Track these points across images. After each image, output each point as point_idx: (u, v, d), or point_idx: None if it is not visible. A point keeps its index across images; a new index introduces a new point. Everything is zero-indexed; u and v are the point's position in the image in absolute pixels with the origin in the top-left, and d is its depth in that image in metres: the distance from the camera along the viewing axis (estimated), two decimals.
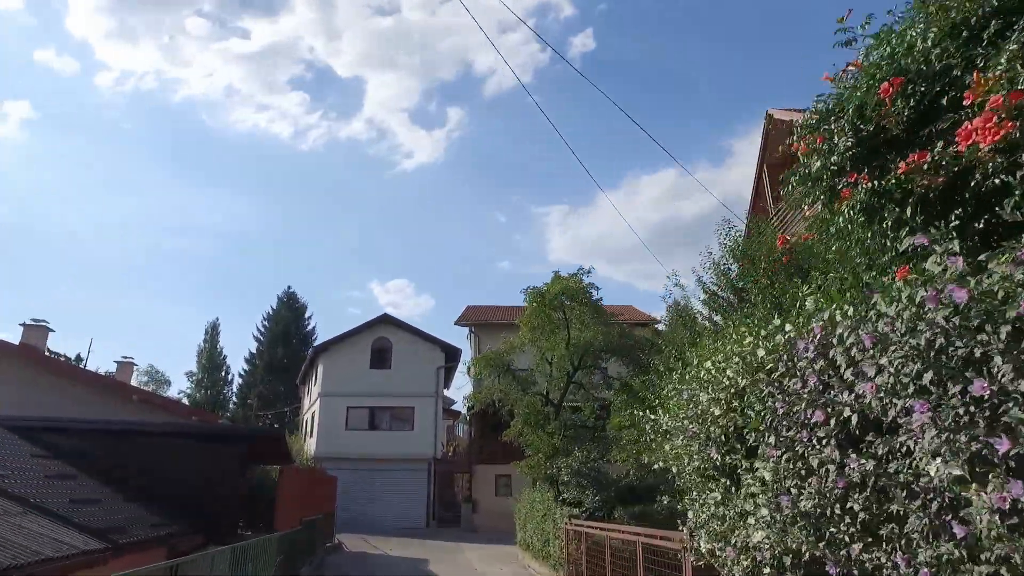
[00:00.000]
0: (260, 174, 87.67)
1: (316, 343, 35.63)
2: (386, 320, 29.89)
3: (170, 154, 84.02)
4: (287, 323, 49.94)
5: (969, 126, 3.03)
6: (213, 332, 53.40)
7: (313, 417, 29.34)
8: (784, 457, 3.66)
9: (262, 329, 50.66)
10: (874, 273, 3.87)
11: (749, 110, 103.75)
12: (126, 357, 25.62)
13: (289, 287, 53.52)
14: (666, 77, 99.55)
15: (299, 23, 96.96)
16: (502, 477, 27.95)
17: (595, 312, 16.95)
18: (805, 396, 3.46)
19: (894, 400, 2.79)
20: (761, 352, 4.20)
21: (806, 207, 5.34)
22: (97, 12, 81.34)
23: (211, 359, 52.08)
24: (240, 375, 50.59)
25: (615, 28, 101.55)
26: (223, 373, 52.46)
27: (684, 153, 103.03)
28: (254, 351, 49.78)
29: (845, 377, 3.17)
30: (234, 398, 50.16)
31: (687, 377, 5.64)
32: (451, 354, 29.57)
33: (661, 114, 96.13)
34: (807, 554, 3.53)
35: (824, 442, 3.31)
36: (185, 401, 50.94)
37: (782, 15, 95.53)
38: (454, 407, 34.74)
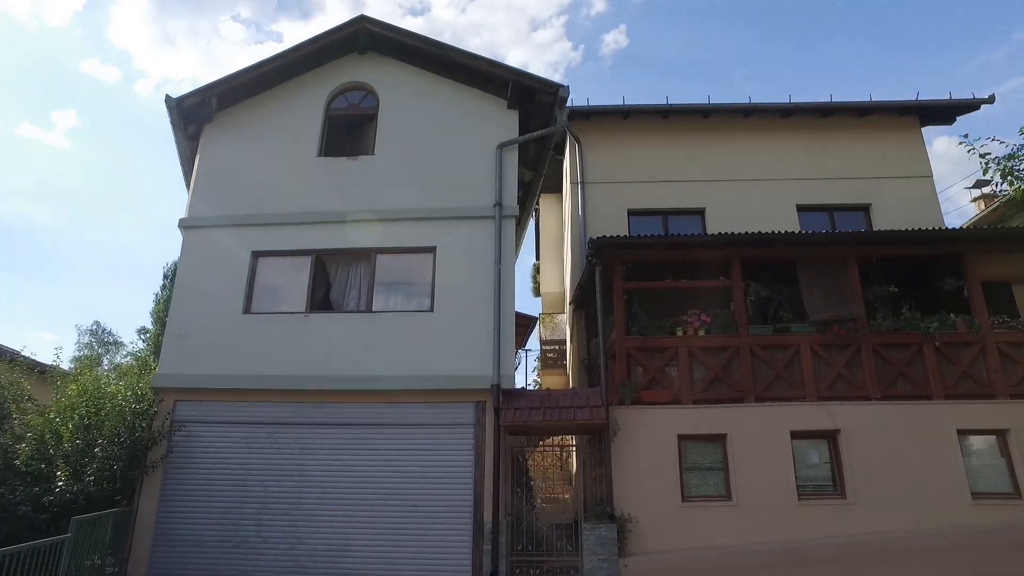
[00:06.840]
0: None
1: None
2: (365, 29, 11.11)
3: None
4: None
5: None
6: (174, 277, 36.59)
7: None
8: None
9: None
10: None
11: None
12: None
13: None
14: (700, 70, 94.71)
15: (331, 24, 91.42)
16: (699, 443, 9.10)
17: None
18: None
19: None
20: None
21: None
22: (139, 20, 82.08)
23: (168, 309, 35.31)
24: None
25: (648, 23, 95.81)
26: None
27: None
28: None
29: None
30: None
31: None
32: (531, 106, 10.77)
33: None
34: None
35: None
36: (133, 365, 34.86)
37: (817, 3, 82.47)
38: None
